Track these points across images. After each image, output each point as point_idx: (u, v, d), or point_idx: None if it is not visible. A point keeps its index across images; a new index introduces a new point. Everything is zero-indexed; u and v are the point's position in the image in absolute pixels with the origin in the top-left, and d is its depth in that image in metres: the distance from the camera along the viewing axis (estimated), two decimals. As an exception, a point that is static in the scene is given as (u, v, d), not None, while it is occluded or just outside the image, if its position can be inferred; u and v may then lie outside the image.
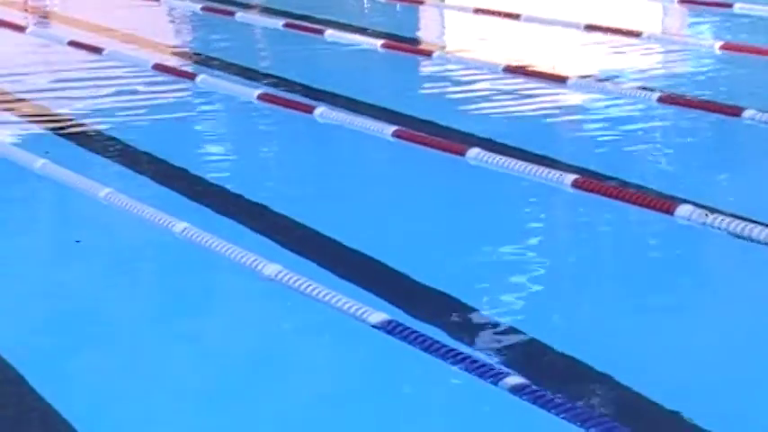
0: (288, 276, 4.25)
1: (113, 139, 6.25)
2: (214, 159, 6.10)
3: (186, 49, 9.03)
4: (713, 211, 4.72)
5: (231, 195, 5.36)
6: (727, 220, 4.62)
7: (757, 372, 3.61)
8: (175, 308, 4.23)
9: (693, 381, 3.55)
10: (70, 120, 6.65)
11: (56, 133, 6.40)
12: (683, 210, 4.77)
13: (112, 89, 7.37)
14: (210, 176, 5.63)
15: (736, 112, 6.15)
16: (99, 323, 4.11)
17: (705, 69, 7.66)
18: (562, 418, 3.29)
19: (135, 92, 7.34)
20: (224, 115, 7.07)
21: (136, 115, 6.78)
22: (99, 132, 6.38)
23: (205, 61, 8.17)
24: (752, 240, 4.49)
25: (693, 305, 4.17)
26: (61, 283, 4.49)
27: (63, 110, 6.88)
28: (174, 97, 7.24)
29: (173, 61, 8.18)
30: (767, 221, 4.56)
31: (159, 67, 7.84)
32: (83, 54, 8.44)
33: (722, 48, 7.77)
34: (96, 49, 8.47)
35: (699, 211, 4.73)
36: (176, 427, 3.42)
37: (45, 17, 10.85)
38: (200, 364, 3.78)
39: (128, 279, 4.51)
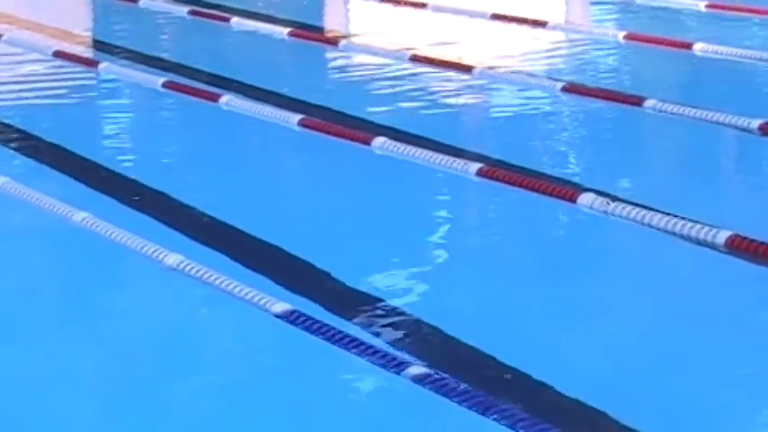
0: (190, 266, 4.21)
1: (11, 127, 6.14)
2: (117, 148, 6.02)
3: (89, 36, 8.89)
4: (615, 199, 4.77)
5: (133, 184, 5.30)
6: (629, 208, 4.67)
7: (660, 357, 3.65)
8: (75, 299, 4.17)
9: (595, 368, 3.58)
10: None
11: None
12: (585, 198, 4.81)
13: (12, 76, 7.25)
14: (112, 165, 5.56)
15: (637, 101, 6.21)
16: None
17: (609, 59, 7.74)
18: (465, 406, 3.29)
19: (35, 79, 7.22)
20: (128, 103, 6.98)
21: (36, 103, 6.68)
22: (-3, 120, 6.28)
23: (108, 48, 8.05)
24: (652, 228, 4.54)
25: (595, 293, 4.20)
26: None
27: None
28: (76, 85, 7.14)
29: (75, 48, 8.05)
30: (667, 209, 4.61)
31: (61, 54, 7.72)
32: (-20, 40, 8.29)
33: (626, 38, 7.84)
34: (-5, 35, 8.33)
35: (601, 199, 4.77)
36: (78, 421, 3.37)
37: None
38: (102, 357, 3.73)
39: (25, 270, 4.43)
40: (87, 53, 8.01)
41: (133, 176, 5.39)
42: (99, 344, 3.85)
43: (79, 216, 4.71)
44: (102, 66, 7.38)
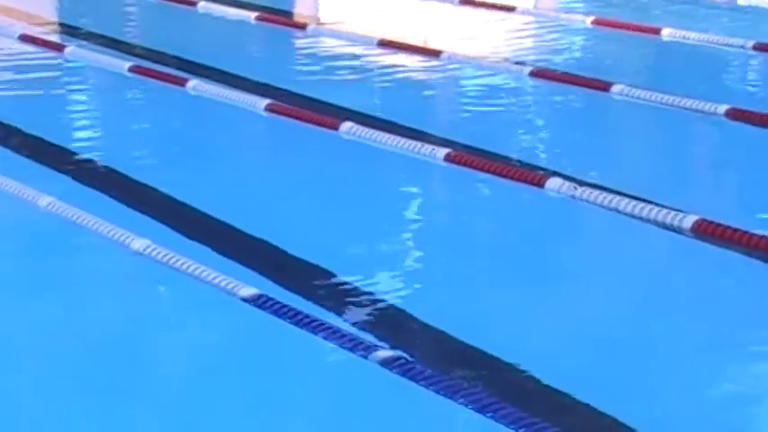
0: (157, 251, 4.19)
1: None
2: (83, 132, 5.99)
3: (54, 20, 8.83)
4: (582, 183, 4.78)
5: (100, 169, 5.28)
6: (596, 192, 4.68)
7: (627, 340, 3.66)
8: (41, 285, 4.14)
9: (563, 351, 3.59)
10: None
11: None
12: (552, 183, 4.82)
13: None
14: (79, 149, 5.53)
15: (605, 86, 6.23)
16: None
17: (577, 44, 7.75)
18: (432, 390, 3.30)
19: (0, 63, 7.17)
20: (94, 87, 6.94)
21: (1, 87, 6.62)
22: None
23: (74, 32, 8.00)
24: (619, 212, 4.56)
25: (563, 277, 4.21)
26: None
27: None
28: (41, 69, 7.09)
29: (40, 32, 7.98)
30: (634, 194, 4.63)
31: (26, 38, 7.66)
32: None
33: (594, 23, 7.86)
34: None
35: (568, 184, 4.78)
36: (44, 409, 3.35)
37: None
38: (68, 342, 3.71)
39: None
40: (53, 37, 7.95)
41: (100, 161, 5.36)
42: (65, 329, 3.83)
43: (44, 201, 4.68)
44: (68, 50, 7.33)
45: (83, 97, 6.73)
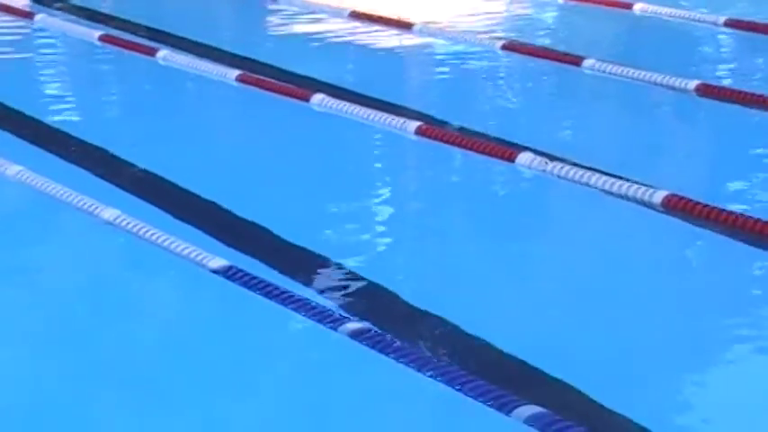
0: (126, 221, 4.18)
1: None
2: (52, 101, 5.95)
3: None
4: (553, 158, 4.78)
5: (69, 138, 5.24)
6: (567, 167, 4.69)
7: (596, 314, 3.67)
8: (10, 256, 4.12)
9: (533, 325, 3.60)
10: None
11: None
12: (523, 157, 4.82)
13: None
14: (48, 119, 5.49)
15: (576, 61, 6.23)
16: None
17: (549, 18, 7.74)
18: (401, 362, 3.30)
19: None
20: (63, 56, 6.90)
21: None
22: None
23: (44, 0, 7.93)
24: (590, 187, 4.57)
25: (533, 251, 4.22)
26: None
27: None
28: (10, 37, 7.03)
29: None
30: (605, 169, 4.64)
31: (-5, 6, 7.61)
32: None
33: (566, -3, 7.86)
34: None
35: (539, 158, 4.79)
36: (9, 373, 3.34)
37: None
38: (39, 313, 3.70)
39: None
40: (23, 4, 7.88)
41: (69, 130, 5.33)
42: (33, 297, 3.81)
43: (14, 169, 4.65)
44: (37, 17, 7.28)
45: (52, 66, 6.68)
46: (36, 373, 3.36)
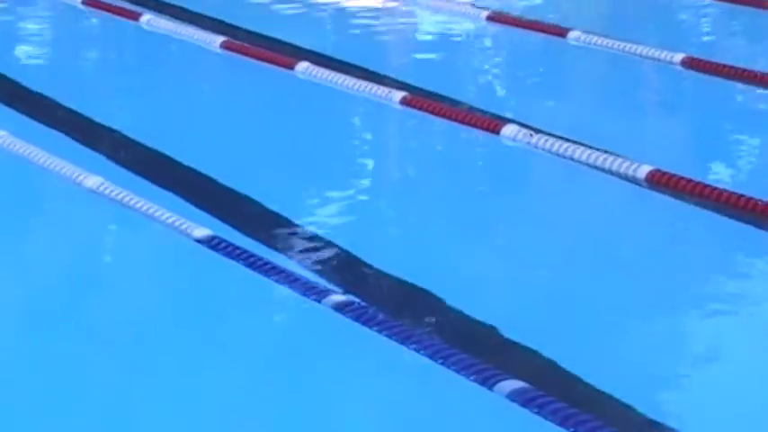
0: (110, 189, 4.15)
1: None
2: (35, 66, 5.91)
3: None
4: (538, 131, 4.77)
5: (51, 103, 5.21)
6: (552, 140, 4.68)
7: (578, 289, 3.67)
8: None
9: (514, 298, 3.60)
10: None
11: None
12: (508, 129, 4.81)
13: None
14: (30, 84, 5.45)
15: (562, 32, 6.21)
16: None
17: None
18: (385, 335, 3.30)
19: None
20: (46, 19, 6.85)
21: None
22: None
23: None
24: (574, 161, 4.56)
25: (517, 224, 4.22)
26: None
27: None
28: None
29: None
30: (590, 143, 4.63)
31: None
32: None
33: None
34: None
35: (524, 131, 4.78)
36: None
37: None
38: (20, 282, 3.69)
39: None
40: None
41: (52, 96, 5.29)
42: (15, 264, 3.80)
43: (-4, 135, 4.63)
44: (20, -20, 7.22)
45: (34, 28, 6.63)
46: (20, 338, 3.35)
